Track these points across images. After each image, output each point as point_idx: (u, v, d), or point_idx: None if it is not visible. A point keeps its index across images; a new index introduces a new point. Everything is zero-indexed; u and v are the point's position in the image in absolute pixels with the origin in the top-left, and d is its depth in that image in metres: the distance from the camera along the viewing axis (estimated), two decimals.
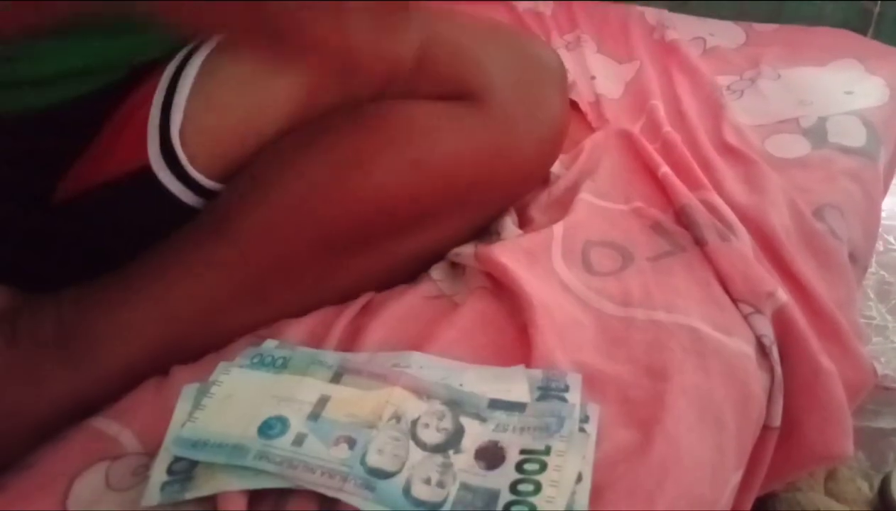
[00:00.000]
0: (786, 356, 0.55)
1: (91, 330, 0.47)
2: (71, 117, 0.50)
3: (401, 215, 0.54)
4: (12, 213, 0.51)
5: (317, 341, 0.52)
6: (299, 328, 0.53)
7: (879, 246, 1.33)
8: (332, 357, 0.48)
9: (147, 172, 0.50)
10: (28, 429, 0.43)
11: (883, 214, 0.77)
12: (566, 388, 0.45)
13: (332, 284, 0.55)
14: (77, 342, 0.46)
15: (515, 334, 0.50)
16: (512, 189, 0.63)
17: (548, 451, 0.41)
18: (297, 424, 0.42)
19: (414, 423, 0.42)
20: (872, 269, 1.31)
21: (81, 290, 0.49)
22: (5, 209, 0.51)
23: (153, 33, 0.50)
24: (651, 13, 1.03)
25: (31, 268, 0.51)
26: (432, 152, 0.53)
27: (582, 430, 0.43)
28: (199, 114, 0.50)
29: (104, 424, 0.45)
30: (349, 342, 0.52)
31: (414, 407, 0.43)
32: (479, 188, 0.58)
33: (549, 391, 0.44)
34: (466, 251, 0.59)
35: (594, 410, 0.45)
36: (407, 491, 0.39)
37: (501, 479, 0.40)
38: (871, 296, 1.30)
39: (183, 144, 0.50)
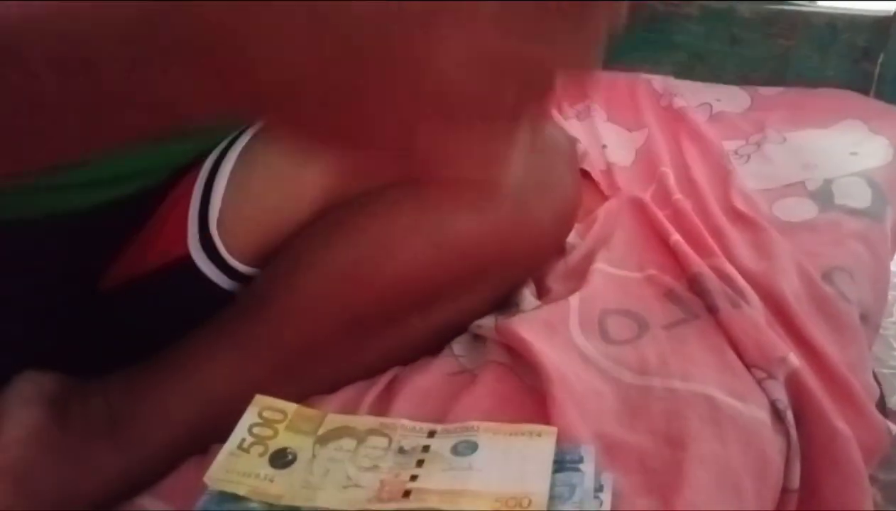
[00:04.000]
0: (801, 420, 0.57)
1: (137, 413, 0.50)
2: (115, 214, 0.54)
3: (424, 294, 0.57)
4: (61, 303, 0.55)
5: (348, 414, 0.54)
6: (330, 404, 0.55)
7: None
8: None
9: (187, 261, 0.54)
10: (81, 510, 0.46)
11: None
12: (580, 460, 0.47)
13: (360, 361, 0.58)
14: (125, 426, 0.49)
15: (535, 409, 0.53)
16: (529, 262, 0.66)
17: None
18: None
19: None
20: (894, 318, 1.32)
21: (127, 375, 0.52)
22: (54, 300, 0.55)
23: (195, 138, 0.54)
24: (658, 81, 1.07)
25: (79, 354, 0.54)
26: (452, 234, 0.56)
27: (596, 498, 0.45)
28: (235, 204, 0.54)
29: (150, 503, 0.47)
30: (377, 415, 0.54)
31: None
32: (497, 264, 0.61)
33: (563, 464, 0.46)
34: (487, 324, 0.61)
35: (608, 480, 0.46)
36: None
37: None
38: (895, 346, 1.30)
39: (221, 234, 0.53)
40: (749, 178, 0.84)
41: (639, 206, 0.78)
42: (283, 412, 0.50)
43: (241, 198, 0.54)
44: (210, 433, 0.52)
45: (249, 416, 0.49)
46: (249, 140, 0.56)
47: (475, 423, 0.49)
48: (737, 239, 0.72)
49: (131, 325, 0.55)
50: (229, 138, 0.56)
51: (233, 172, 0.55)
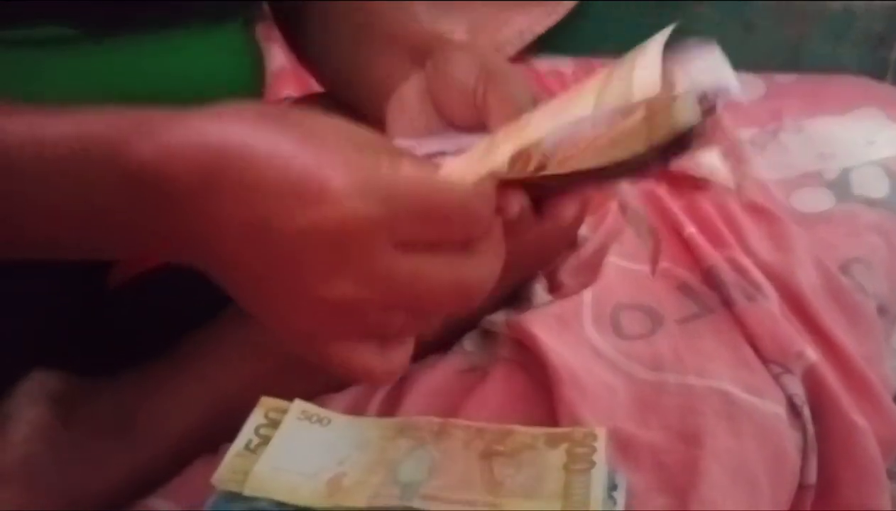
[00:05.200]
0: (818, 414, 0.56)
1: (145, 412, 0.49)
2: None
3: None
4: (68, 301, 0.55)
5: (357, 414, 0.53)
6: (340, 402, 0.54)
7: None
8: None
9: None
10: (88, 509, 0.46)
11: None
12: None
13: None
14: (133, 425, 0.48)
15: (547, 408, 0.52)
16: (541, 255, 0.65)
17: None
18: None
19: None
20: None
21: (134, 374, 0.51)
22: (62, 298, 0.55)
23: None
24: None
25: (86, 352, 0.54)
26: None
27: (611, 497, 0.45)
28: None
29: (159, 504, 0.47)
30: (387, 414, 0.54)
31: None
32: (507, 258, 0.60)
33: None
34: (499, 319, 0.61)
35: (623, 479, 0.46)
36: None
37: None
38: None
39: None
40: (765, 168, 0.82)
41: (652, 198, 0.77)
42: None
43: None
44: (219, 432, 0.51)
45: (256, 418, 0.49)
46: None
47: None
48: (752, 230, 0.71)
49: (139, 322, 0.54)
50: None
51: None
